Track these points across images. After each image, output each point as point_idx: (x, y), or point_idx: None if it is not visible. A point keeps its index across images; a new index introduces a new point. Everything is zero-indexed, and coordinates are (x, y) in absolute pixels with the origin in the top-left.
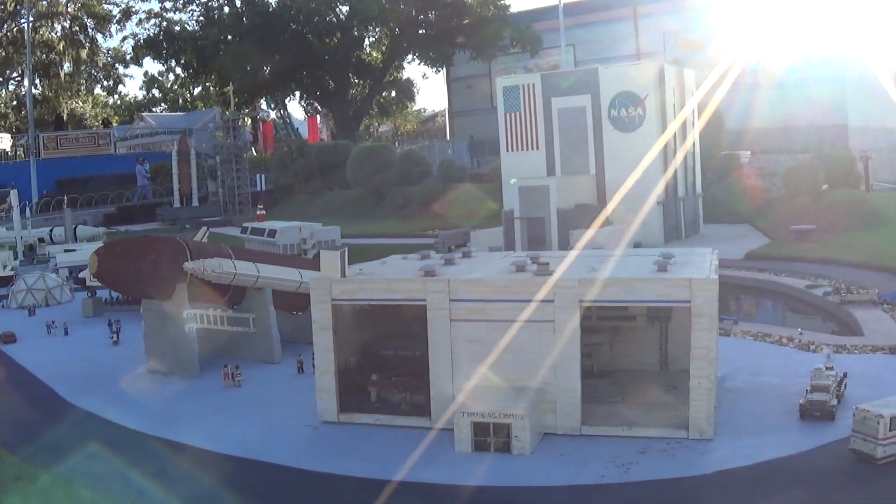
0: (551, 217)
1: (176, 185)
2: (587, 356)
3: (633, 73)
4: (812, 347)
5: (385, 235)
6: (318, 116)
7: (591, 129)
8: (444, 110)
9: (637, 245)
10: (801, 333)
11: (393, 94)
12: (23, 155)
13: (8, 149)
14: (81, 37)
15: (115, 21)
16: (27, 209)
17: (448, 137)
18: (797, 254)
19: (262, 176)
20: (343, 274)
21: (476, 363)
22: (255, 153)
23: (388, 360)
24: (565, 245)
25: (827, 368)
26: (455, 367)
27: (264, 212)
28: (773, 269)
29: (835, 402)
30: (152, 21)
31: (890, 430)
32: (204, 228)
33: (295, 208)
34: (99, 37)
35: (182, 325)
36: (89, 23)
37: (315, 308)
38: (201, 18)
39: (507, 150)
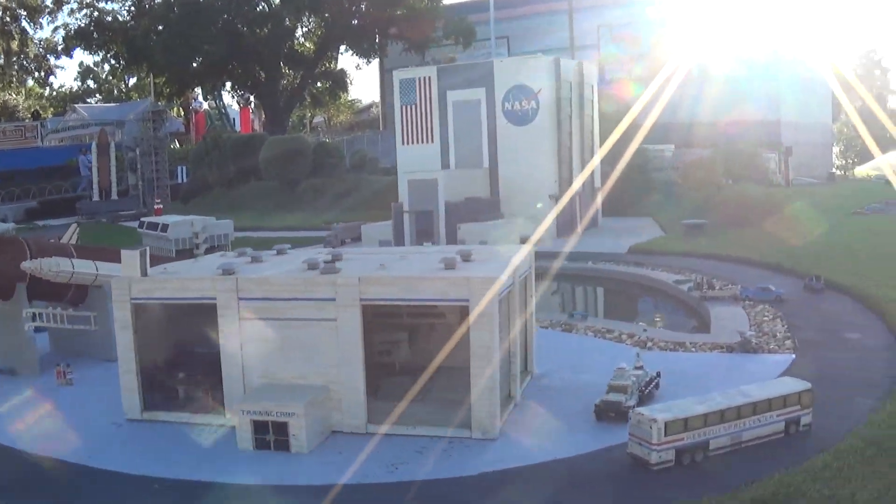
0: (439, 210)
1: (95, 179)
2: (385, 353)
3: (527, 66)
4: (649, 345)
5: (287, 228)
6: (250, 107)
7: (485, 123)
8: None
9: (524, 240)
10: (644, 330)
11: (327, 84)
12: None
13: None
14: (13, 27)
15: (46, 11)
16: None
17: (381, 128)
18: (684, 249)
19: (184, 168)
20: (144, 273)
21: (265, 361)
22: (178, 145)
23: (200, 358)
24: (453, 239)
25: (637, 368)
26: (245, 366)
27: (161, 206)
28: (652, 264)
29: (632, 402)
30: (84, 11)
31: (665, 434)
32: (73, 226)
33: (211, 201)
34: (29, 27)
35: (22, 324)
36: (21, 13)
37: (116, 307)
38: (132, 8)
39: (403, 143)
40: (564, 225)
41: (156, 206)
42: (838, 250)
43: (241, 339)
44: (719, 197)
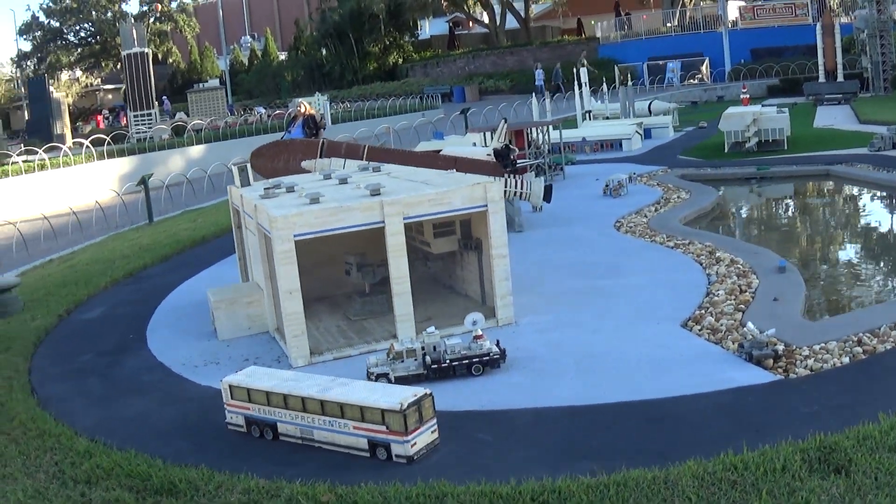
0: None
1: (821, 60)
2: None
3: None
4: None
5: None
6: None
7: None
8: None
9: None
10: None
11: None
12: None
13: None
14: None
15: None
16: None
17: None
18: None
19: None
20: (243, 185)
21: None
22: None
23: None
24: None
25: (476, 338)
26: None
27: (748, 95)
28: None
29: (395, 374)
30: None
31: (232, 397)
32: (503, 121)
33: None
34: None
35: None
36: None
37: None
38: None
39: None
40: None
41: (742, 97)
42: None
43: None
44: None
